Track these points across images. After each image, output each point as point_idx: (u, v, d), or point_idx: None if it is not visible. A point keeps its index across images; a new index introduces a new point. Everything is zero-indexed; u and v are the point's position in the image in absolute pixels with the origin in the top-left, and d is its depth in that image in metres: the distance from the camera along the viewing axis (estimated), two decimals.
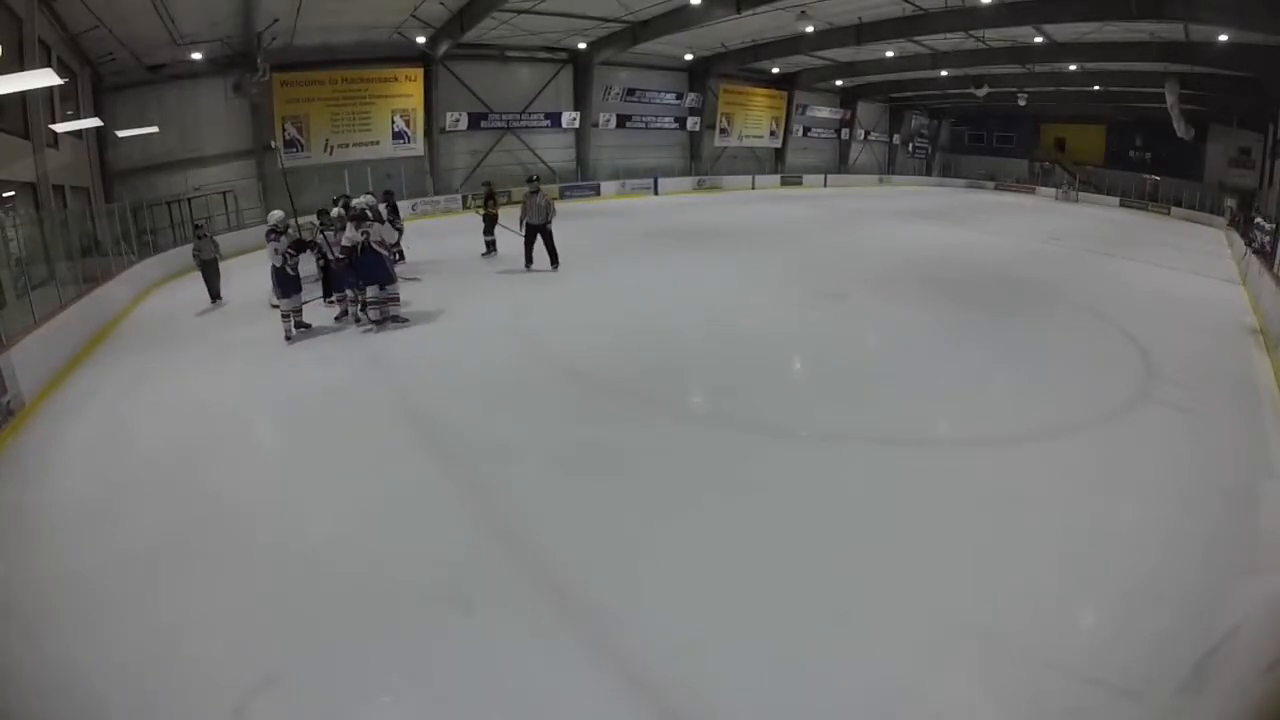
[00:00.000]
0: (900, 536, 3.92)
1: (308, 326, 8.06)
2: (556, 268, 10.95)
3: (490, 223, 12.52)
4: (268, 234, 7.80)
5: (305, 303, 8.24)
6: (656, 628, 3.16)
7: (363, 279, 7.91)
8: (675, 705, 2.75)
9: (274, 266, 7.73)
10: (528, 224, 10.84)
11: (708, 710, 2.72)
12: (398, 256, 11.76)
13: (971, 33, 18.85)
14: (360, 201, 8.52)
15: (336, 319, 8.40)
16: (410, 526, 4.06)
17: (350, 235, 7.71)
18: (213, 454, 5.04)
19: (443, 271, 11.43)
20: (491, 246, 12.53)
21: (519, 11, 16.65)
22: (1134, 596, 3.41)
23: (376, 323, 7.95)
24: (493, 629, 3.16)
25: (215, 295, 9.76)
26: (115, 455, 5.11)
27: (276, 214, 8.01)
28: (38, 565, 3.76)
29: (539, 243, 10.91)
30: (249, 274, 10.08)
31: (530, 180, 11.16)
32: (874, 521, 4.09)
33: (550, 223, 10.87)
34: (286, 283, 7.76)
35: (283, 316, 7.81)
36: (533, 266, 10.94)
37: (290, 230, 8.03)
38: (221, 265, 9.96)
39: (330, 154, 18.75)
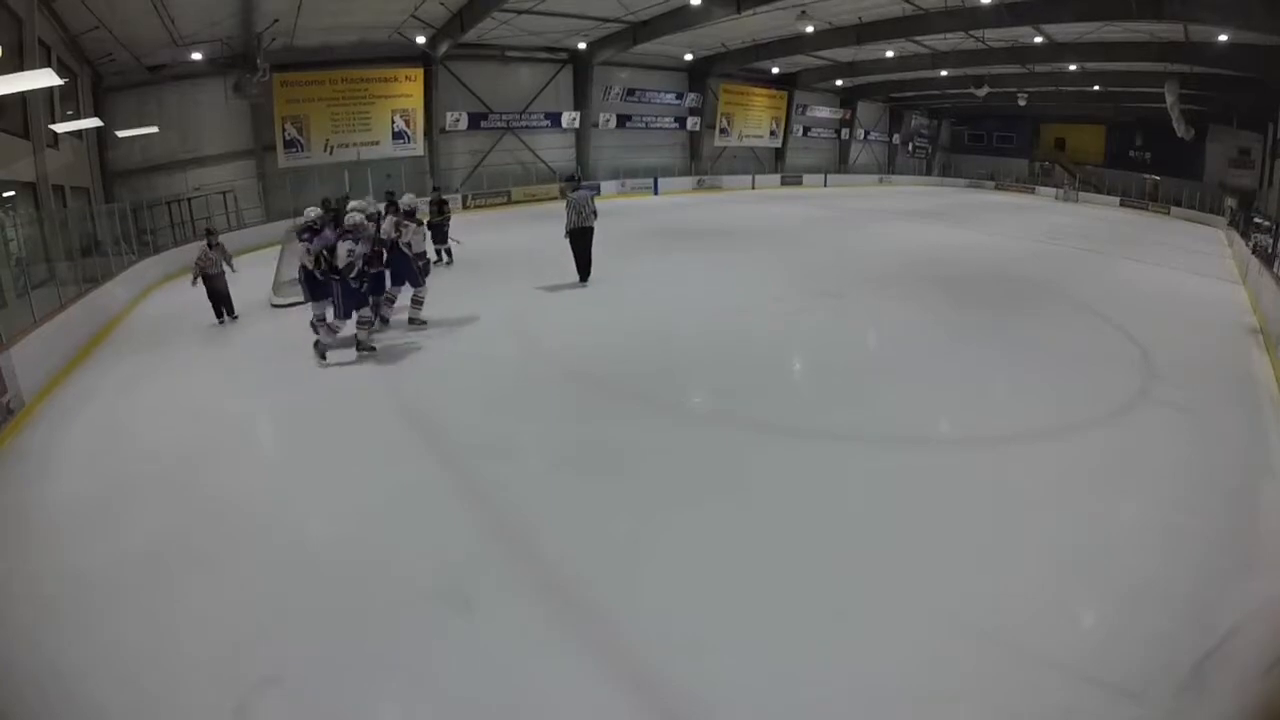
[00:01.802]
0: (900, 536, 3.92)
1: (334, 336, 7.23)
2: (586, 280, 10.08)
3: (439, 232, 11.55)
4: (300, 232, 7.17)
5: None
6: (656, 627, 3.16)
7: (394, 280, 7.61)
8: (675, 705, 2.74)
9: (303, 268, 7.16)
10: (579, 228, 9.67)
11: (707, 710, 2.72)
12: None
13: (971, 33, 18.86)
14: (406, 200, 7.97)
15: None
16: (411, 526, 4.06)
17: (387, 230, 7.27)
18: (213, 454, 5.05)
19: (441, 272, 11.43)
20: (448, 255, 11.79)
21: (519, 11, 16.66)
22: (1134, 596, 3.41)
23: (416, 322, 7.76)
24: (493, 629, 3.16)
25: (223, 313, 8.67)
26: (115, 455, 5.12)
27: (313, 211, 7.44)
28: (38, 565, 3.76)
29: (575, 248, 9.93)
30: (250, 274, 10.05)
31: (571, 178, 10.04)
32: (874, 521, 4.09)
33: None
34: (318, 287, 7.10)
35: (313, 325, 7.23)
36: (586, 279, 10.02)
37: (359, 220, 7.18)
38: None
39: (330, 154, 18.78)
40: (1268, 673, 2.74)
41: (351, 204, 7.60)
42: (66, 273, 8.69)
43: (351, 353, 7.04)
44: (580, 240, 9.84)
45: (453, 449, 5.07)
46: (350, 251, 6.71)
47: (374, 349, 7.13)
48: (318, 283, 7.06)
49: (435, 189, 12.96)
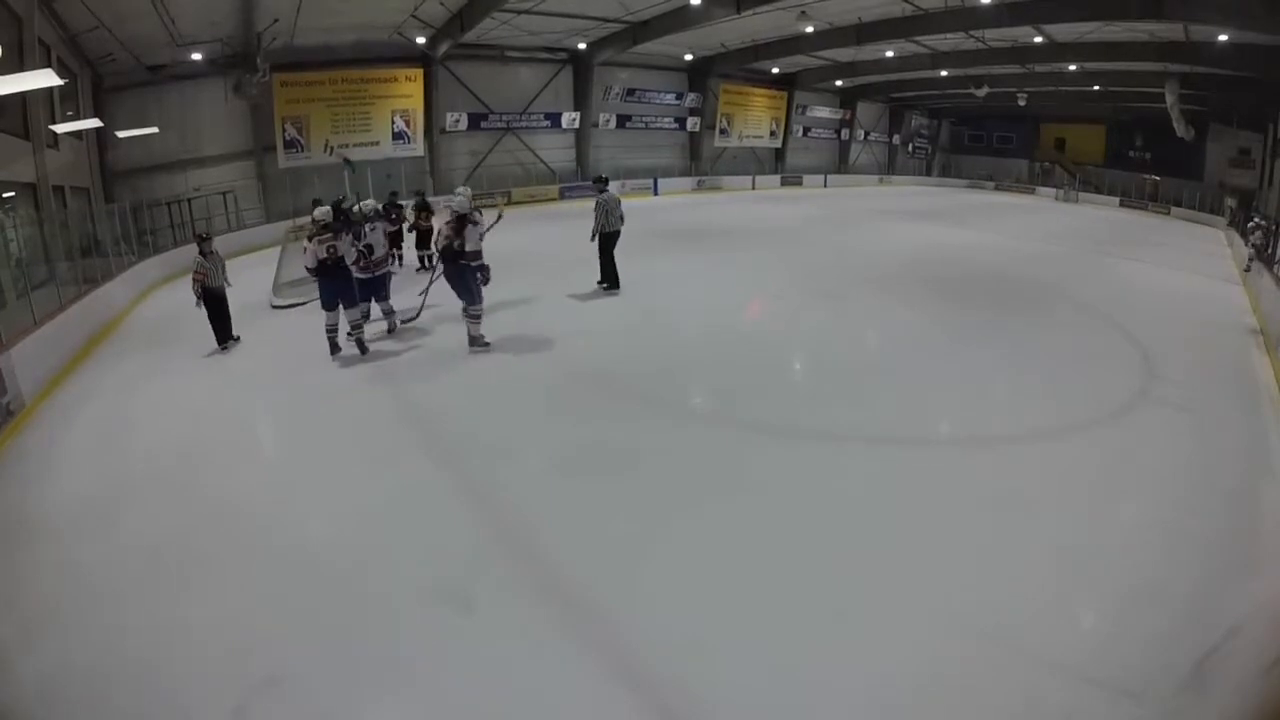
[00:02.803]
0: (900, 536, 3.92)
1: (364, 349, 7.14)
2: (618, 287, 9.61)
3: (424, 237, 11.03)
4: (359, 224, 7.19)
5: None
6: (657, 628, 3.16)
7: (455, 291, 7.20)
8: (675, 705, 2.74)
9: (336, 269, 6.86)
10: (609, 232, 9.22)
11: (707, 710, 2.72)
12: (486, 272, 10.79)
13: (971, 33, 18.86)
14: (459, 201, 7.28)
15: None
16: (411, 526, 4.06)
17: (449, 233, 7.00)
18: (213, 454, 5.05)
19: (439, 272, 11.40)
20: (430, 260, 10.39)
21: (519, 12, 16.66)
22: (1134, 596, 3.41)
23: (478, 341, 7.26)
24: (493, 629, 3.16)
25: (229, 335, 7.58)
26: (115, 456, 5.11)
27: (322, 210, 7.25)
28: (38, 565, 3.76)
29: (603, 253, 9.45)
30: (250, 274, 10.06)
31: (599, 179, 9.62)
32: (874, 521, 4.08)
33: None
34: (349, 289, 7.01)
35: (330, 329, 6.99)
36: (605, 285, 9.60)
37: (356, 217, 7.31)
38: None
39: (330, 154, 18.75)
40: (1268, 673, 2.74)
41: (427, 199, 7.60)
42: (66, 273, 8.69)
43: (354, 351, 7.06)
44: (607, 245, 9.41)
45: (453, 449, 5.07)
46: (481, 236, 6.92)
47: (489, 345, 7.19)
48: (350, 284, 7.01)
49: (418, 192, 12.35)
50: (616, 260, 9.61)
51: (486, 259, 7.04)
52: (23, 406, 5.89)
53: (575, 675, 2.88)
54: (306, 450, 5.20)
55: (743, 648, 3.02)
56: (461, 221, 6.83)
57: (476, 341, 7.17)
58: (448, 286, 7.10)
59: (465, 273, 6.88)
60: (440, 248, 6.98)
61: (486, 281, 7.04)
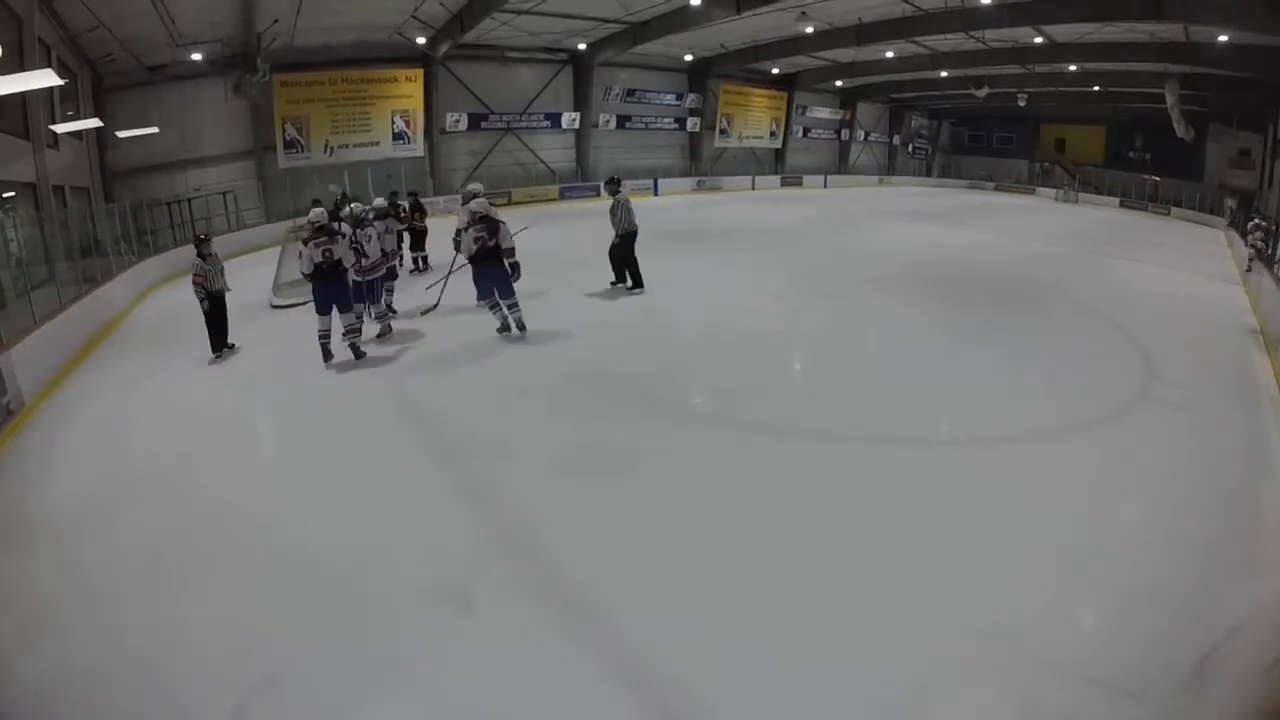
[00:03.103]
0: (900, 536, 3.92)
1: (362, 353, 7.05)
2: (642, 287, 9.68)
3: (419, 237, 11.31)
4: (359, 223, 7.33)
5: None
6: (657, 628, 3.16)
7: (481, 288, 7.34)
8: (675, 705, 2.74)
9: (336, 272, 6.77)
10: (629, 232, 9.31)
11: (708, 710, 2.72)
12: (420, 264, 11.25)
13: (971, 33, 18.88)
14: (478, 197, 7.38)
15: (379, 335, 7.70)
16: (411, 526, 4.06)
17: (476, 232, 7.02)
18: (213, 454, 5.05)
19: (439, 272, 11.41)
20: (424, 262, 11.29)
21: (519, 12, 16.67)
22: (1134, 596, 3.40)
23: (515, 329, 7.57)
24: (493, 629, 3.16)
25: (225, 342, 7.35)
26: (115, 455, 5.12)
27: (317, 210, 7.18)
28: (38, 565, 3.76)
29: (628, 255, 9.47)
30: (250, 274, 10.07)
31: (612, 180, 9.54)
32: (874, 521, 4.08)
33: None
34: (346, 291, 6.88)
35: (322, 335, 6.83)
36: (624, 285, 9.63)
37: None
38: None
39: (330, 154, 18.78)
40: (1268, 673, 2.74)
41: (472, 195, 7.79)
42: (66, 273, 8.71)
43: (349, 351, 7.06)
44: (629, 245, 9.47)
45: (453, 449, 5.07)
46: (510, 235, 7.19)
47: (525, 329, 7.64)
48: (346, 288, 6.89)
49: (412, 193, 12.34)
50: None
51: None
52: (23, 406, 5.89)
53: (575, 675, 2.88)
54: (306, 450, 5.20)
55: (743, 648, 3.01)
56: (493, 222, 7.10)
57: (522, 326, 7.60)
58: (451, 285, 7.13)
59: (502, 270, 7.21)
60: (474, 251, 7.10)
61: (518, 277, 7.43)
